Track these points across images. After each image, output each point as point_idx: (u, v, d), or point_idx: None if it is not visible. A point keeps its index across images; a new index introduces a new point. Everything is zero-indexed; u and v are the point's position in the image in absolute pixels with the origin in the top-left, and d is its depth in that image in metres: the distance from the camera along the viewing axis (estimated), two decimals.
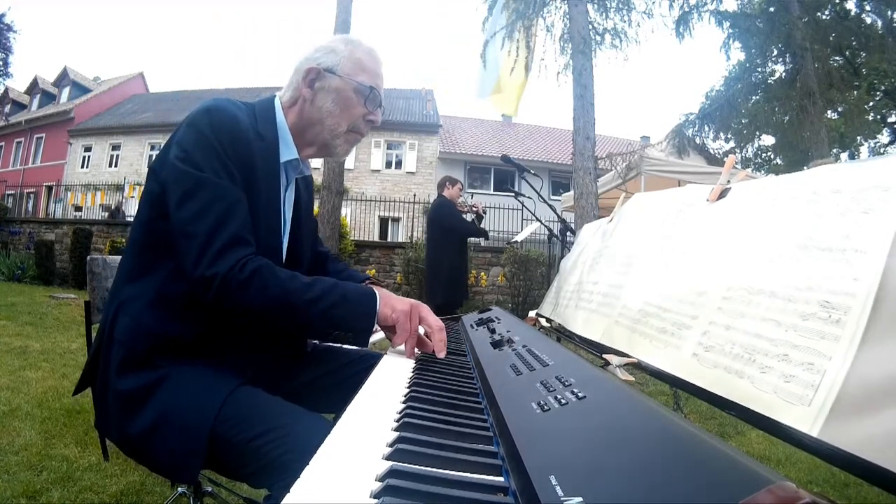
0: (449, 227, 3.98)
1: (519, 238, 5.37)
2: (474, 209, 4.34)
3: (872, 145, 15.01)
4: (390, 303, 0.90)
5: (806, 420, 0.46)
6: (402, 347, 0.91)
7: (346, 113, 0.98)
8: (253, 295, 0.80)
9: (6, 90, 21.12)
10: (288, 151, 0.97)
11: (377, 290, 0.91)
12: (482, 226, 4.40)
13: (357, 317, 0.87)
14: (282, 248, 0.98)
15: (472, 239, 4.47)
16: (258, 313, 0.83)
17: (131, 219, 11.02)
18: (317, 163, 15.53)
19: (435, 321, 0.92)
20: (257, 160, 0.90)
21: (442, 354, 0.89)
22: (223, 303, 0.81)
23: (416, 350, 0.91)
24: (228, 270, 0.79)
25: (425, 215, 4.40)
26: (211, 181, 0.82)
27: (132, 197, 12.67)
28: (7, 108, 21.84)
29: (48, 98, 22.68)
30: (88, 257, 1.25)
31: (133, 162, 18.87)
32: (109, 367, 0.85)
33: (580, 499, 0.31)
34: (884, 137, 14.72)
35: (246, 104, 0.96)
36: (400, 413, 0.55)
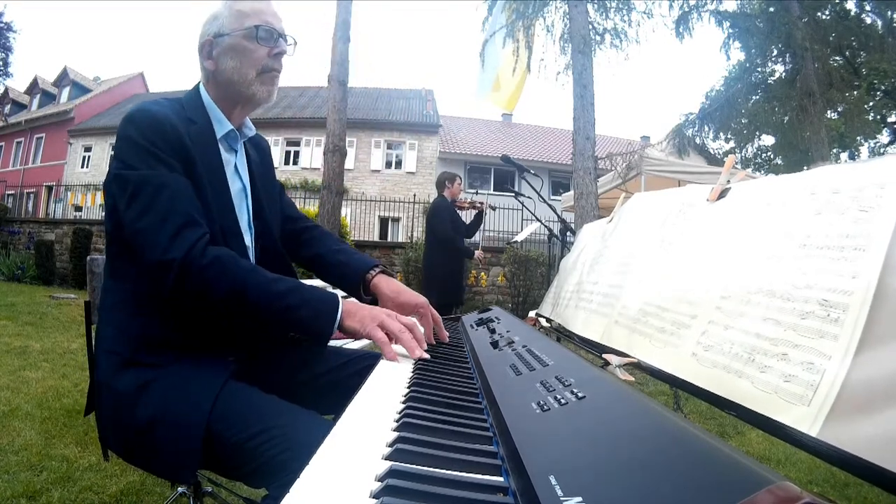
0: (430, 229, 3.96)
1: (519, 238, 5.36)
2: (478, 206, 4.18)
3: (872, 145, 15.01)
4: (357, 314, 0.88)
5: (805, 420, 0.46)
6: (402, 350, 0.89)
7: (247, 60, 0.99)
8: (211, 281, 0.81)
9: (6, 90, 21.12)
10: (221, 126, 1.00)
11: (343, 302, 0.89)
12: (482, 225, 4.31)
13: (314, 323, 0.86)
14: (238, 222, 0.98)
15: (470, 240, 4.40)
16: (215, 301, 0.83)
17: None
18: (317, 162, 15.54)
19: (404, 321, 0.89)
20: (192, 144, 0.91)
21: (416, 354, 0.83)
22: (183, 286, 0.80)
23: (417, 348, 0.87)
24: (187, 253, 0.80)
25: (425, 215, 4.34)
26: (149, 175, 0.84)
27: None
28: (7, 108, 21.83)
29: (48, 98, 22.67)
30: (88, 257, 1.25)
31: None
32: (101, 374, 0.88)
33: (580, 499, 0.31)
34: (884, 137, 14.72)
35: (171, 99, 0.98)
36: (400, 413, 0.55)
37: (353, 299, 0.95)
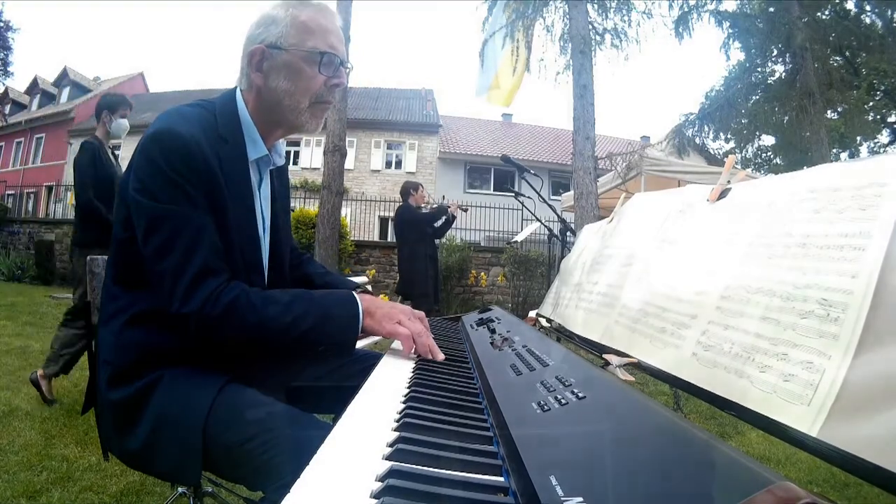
0: (401, 224, 4.28)
1: (519, 238, 5.37)
2: (441, 206, 4.51)
3: (872, 145, 14.99)
4: (376, 314, 0.88)
5: (805, 419, 0.46)
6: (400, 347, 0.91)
7: (303, 87, 0.90)
8: (231, 329, 0.79)
9: (6, 90, 21.14)
10: (255, 149, 0.92)
11: (361, 302, 0.88)
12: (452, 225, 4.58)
13: (340, 333, 0.85)
14: (261, 254, 0.96)
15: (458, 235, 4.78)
16: (240, 344, 0.82)
17: None
18: (317, 162, 15.54)
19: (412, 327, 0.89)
20: (221, 170, 0.85)
21: (440, 357, 0.86)
22: (204, 338, 0.80)
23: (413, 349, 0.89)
24: (202, 307, 0.77)
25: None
26: (171, 211, 0.79)
27: None
28: (7, 108, 21.83)
29: (48, 98, 22.66)
30: (88, 257, 1.24)
31: None
32: (101, 386, 0.87)
33: (581, 499, 0.31)
34: (884, 137, 14.70)
35: (205, 105, 0.91)
36: (400, 413, 0.55)
37: (368, 296, 0.94)
